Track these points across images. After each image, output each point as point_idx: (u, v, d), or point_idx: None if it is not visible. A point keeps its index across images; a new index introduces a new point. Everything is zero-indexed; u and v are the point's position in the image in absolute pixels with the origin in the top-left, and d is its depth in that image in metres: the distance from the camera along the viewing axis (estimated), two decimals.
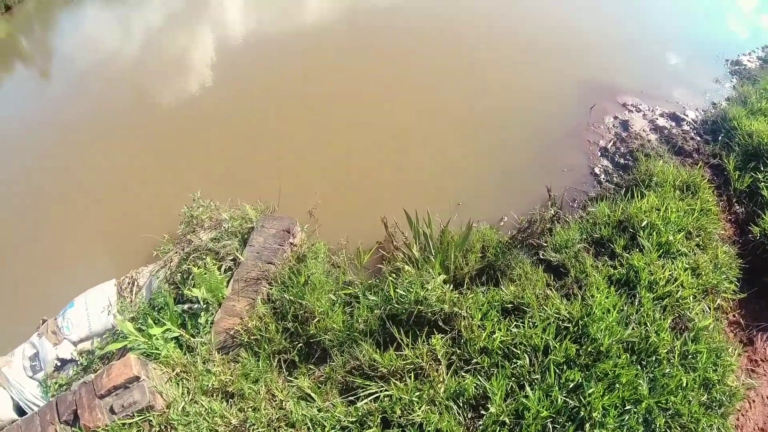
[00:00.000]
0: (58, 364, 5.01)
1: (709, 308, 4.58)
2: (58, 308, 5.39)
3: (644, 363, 3.97)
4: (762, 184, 5.92)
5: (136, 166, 7.67)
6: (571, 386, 3.74)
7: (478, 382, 3.83)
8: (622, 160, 6.82)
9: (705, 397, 3.86)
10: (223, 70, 10.16)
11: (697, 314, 4.39)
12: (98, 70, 10.93)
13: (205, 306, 4.87)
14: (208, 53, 10.87)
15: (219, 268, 5.09)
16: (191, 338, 4.66)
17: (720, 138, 6.92)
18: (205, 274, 4.86)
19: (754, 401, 4.55)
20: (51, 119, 9.50)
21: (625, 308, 4.31)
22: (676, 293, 4.48)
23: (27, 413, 4.59)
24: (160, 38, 12.23)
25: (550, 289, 4.55)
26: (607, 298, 4.32)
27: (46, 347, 5.04)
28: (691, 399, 3.78)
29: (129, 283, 5.66)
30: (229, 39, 11.51)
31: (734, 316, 5.06)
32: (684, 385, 3.81)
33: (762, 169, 6.13)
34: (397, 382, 3.90)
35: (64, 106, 9.86)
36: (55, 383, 4.89)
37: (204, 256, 5.15)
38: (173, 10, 13.78)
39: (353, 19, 11.20)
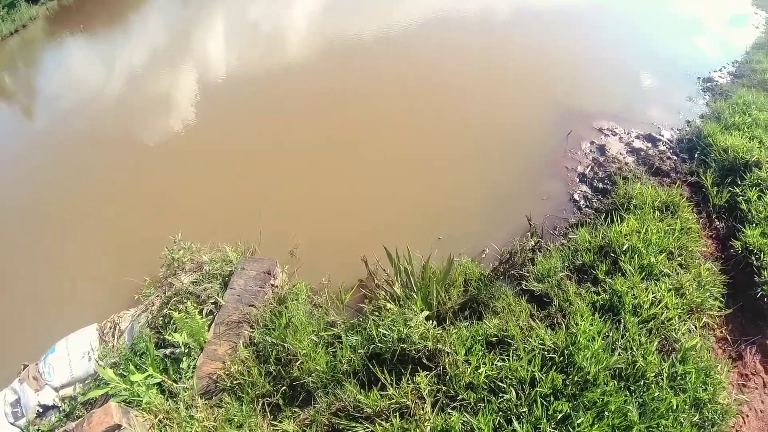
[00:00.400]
0: (40, 410, 4.90)
1: (695, 327, 4.56)
2: (39, 353, 5.30)
3: (632, 388, 3.94)
4: (740, 198, 5.97)
5: (117, 208, 7.61)
6: (559, 417, 3.69)
7: (465, 419, 3.76)
8: (600, 185, 6.88)
9: (697, 417, 3.82)
10: (203, 109, 10.20)
11: (684, 334, 4.36)
12: (80, 109, 10.96)
13: (186, 350, 4.78)
14: (189, 92, 10.92)
15: (200, 312, 5.02)
16: (173, 384, 4.58)
17: (696, 155, 7.02)
18: (186, 318, 4.79)
19: (747, 416, 4.50)
20: (30, 159, 9.47)
21: (611, 334, 4.28)
22: (661, 315, 4.47)
23: None
24: (143, 76, 12.30)
25: (534, 320, 4.52)
26: (591, 325, 4.30)
27: (27, 393, 4.94)
28: (682, 421, 3.74)
29: (111, 328, 5.57)
30: (210, 78, 11.60)
31: (721, 332, 5.04)
32: (674, 407, 3.77)
33: (739, 183, 6.20)
34: (383, 423, 3.83)
35: (45, 146, 9.86)
36: (37, 430, 4.79)
37: (185, 300, 5.08)
38: (156, 48, 13.93)
39: (333, 58, 11.38)
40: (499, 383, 3.95)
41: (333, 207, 6.94)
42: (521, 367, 3.98)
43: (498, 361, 4.12)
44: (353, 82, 10.26)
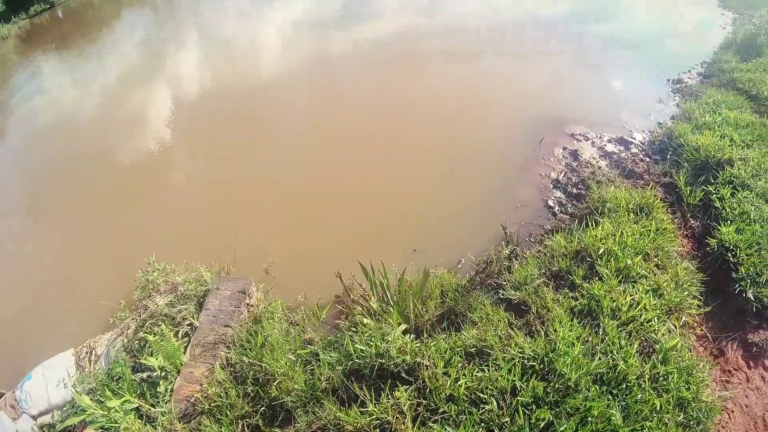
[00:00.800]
0: None
1: (675, 327, 4.55)
2: (15, 381, 5.20)
3: (615, 392, 3.91)
4: (714, 196, 6.02)
5: (90, 230, 7.50)
6: (542, 426, 3.66)
7: None
8: (574, 190, 6.89)
9: (681, 417, 3.81)
10: (175, 128, 10.14)
11: (664, 335, 4.35)
12: (53, 128, 10.90)
13: (163, 374, 4.69)
14: (161, 111, 10.85)
15: (176, 334, 4.94)
16: (151, 408, 4.49)
17: (669, 156, 7.08)
18: (161, 341, 4.70)
19: (732, 412, 4.50)
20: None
21: (590, 339, 4.26)
22: (640, 317, 4.46)
23: None
24: (116, 95, 12.22)
25: (513, 329, 4.50)
26: (570, 331, 4.28)
27: (4, 422, 4.85)
28: (667, 422, 3.72)
29: (87, 353, 5.46)
30: (182, 96, 11.55)
31: (702, 330, 5.05)
32: (658, 408, 3.76)
33: (712, 181, 6.26)
34: None
35: (12, 167, 9.74)
36: None
37: (160, 323, 4.99)
38: (129, 65, 13.86)
39: (308, 74, 11.42)
40: (480, 394, 3.90)
41: (307, 223, 6.90)
42: (501, 376, 3.94)
43: (478, 371, 4.08)
44: (327, 98, 10.29)
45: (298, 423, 4.13)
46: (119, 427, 4.23)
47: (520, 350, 4.15)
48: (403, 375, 4.11)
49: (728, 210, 5.76)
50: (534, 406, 3.78)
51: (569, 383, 3.85)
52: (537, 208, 6.69)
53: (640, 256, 5.05)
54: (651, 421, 3.68)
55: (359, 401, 4.04)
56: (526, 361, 4.08)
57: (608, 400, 3.82)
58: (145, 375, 4.78)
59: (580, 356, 4.02)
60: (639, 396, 3.84)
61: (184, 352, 4.82)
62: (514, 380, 3.92)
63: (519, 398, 3.79)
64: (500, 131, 8.34)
